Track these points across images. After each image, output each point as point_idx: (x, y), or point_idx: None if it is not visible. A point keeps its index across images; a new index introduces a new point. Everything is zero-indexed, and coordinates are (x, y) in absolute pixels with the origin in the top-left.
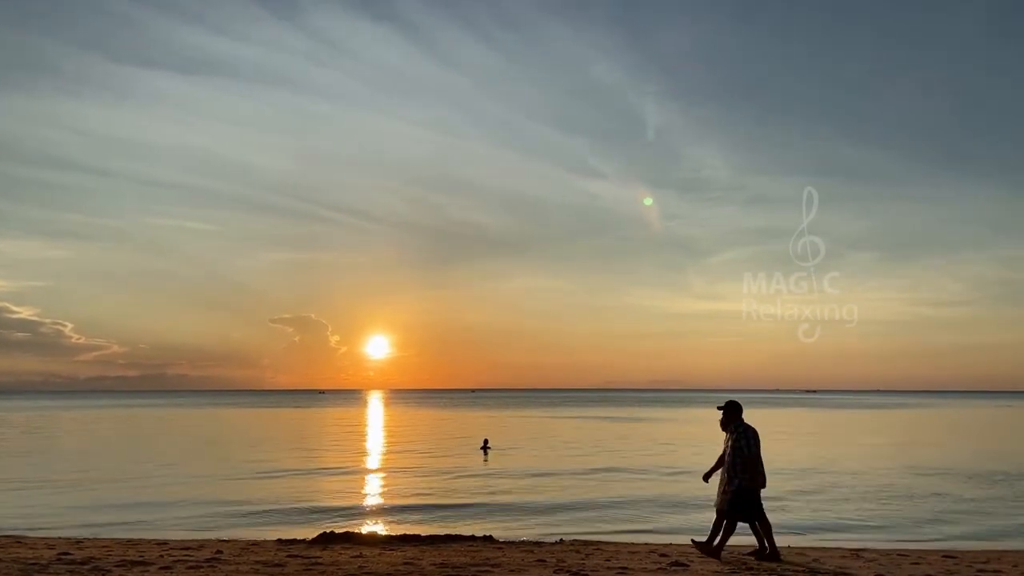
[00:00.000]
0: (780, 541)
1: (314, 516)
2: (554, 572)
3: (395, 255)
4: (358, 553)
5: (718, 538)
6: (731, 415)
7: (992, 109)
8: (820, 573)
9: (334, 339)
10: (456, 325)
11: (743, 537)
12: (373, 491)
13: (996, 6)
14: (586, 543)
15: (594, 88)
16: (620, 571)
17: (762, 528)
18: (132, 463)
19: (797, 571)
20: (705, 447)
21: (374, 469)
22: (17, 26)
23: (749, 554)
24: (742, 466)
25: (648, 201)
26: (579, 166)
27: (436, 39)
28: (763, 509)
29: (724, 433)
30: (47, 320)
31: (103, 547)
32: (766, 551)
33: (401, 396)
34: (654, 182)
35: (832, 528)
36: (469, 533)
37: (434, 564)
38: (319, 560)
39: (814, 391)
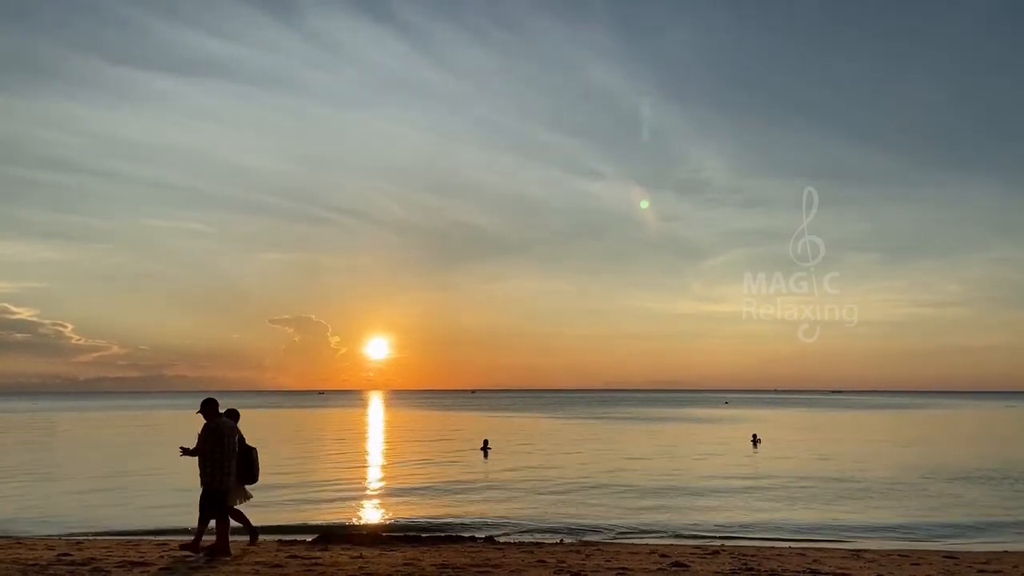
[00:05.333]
0: (782, 540)
1: (314, 517)
2: (555, 573)
3: (394, 257)
4: (358, 554)
5: (216, 533)
6: (206, 413)
7: (992, 110)
8: (820, 574)
9: (334, 340)
10: (455, 326)
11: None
12: (373, 491)
13: (996, 7)
14: (586, 544)
15: (592, 89)
16: (620, 572)
17: (218, 525)
18: (133, 464)
19: (798, 572)
20: (705, 447)
21: (375, 469)
22: (15, 28)
23: (205, 550)
24: (210, 464)
25: (645, 204)
26: (577, 167)
27: (434, 41)
28: (225, 508)
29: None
30: (47, 321)
31: (103, 548)
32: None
33: (401, 397)
34: (652, 183)
35: (833, 528)
36: (469, 534)
37: (434, 565)
38: (319, 561)
39: (839, 391)
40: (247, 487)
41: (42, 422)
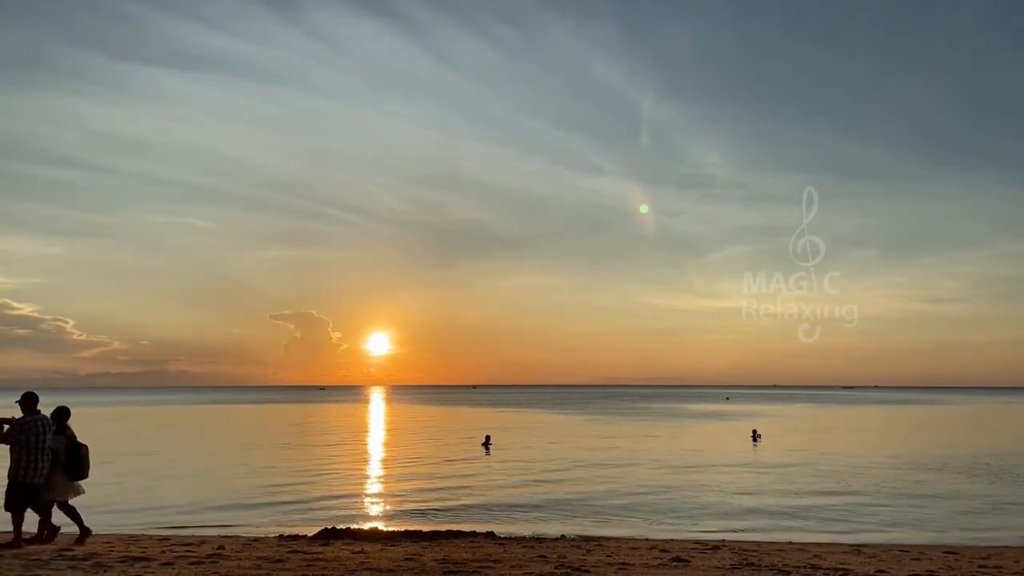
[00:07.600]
0: (782, 535)
1: (316, 512)
2: (555, 568)
3: (395, 252)
4: (359, 549)
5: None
6: (23, 407)
7: (992, 107)
8: (821, 569)
9: (335, 335)
10: (456, 322)
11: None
12: (375, 487)
13: (996, 4)
14: (587, 539)
15: (594, 85)
16: (621, 567)
17: (43, 519)
18: (133, 459)
19: (798, 567)
20: (705, 443)
21: (376, 465)
22: (16, 24)
23: (29, 540)
24: (15, 458)
25: (644, 209)
26: (579, 163)
27: (435, 36)
28: (40, 503)
29: None
30: (48, 317)
31: (105, 543)
32: (44, 536)
33: (402, 392)
34: (654, 179)
35: (833, 522)
36: (471, 529)
37: (435, 560)
38: (320, 556)
39: (850, 387)
40: (78, 483)
41: None
